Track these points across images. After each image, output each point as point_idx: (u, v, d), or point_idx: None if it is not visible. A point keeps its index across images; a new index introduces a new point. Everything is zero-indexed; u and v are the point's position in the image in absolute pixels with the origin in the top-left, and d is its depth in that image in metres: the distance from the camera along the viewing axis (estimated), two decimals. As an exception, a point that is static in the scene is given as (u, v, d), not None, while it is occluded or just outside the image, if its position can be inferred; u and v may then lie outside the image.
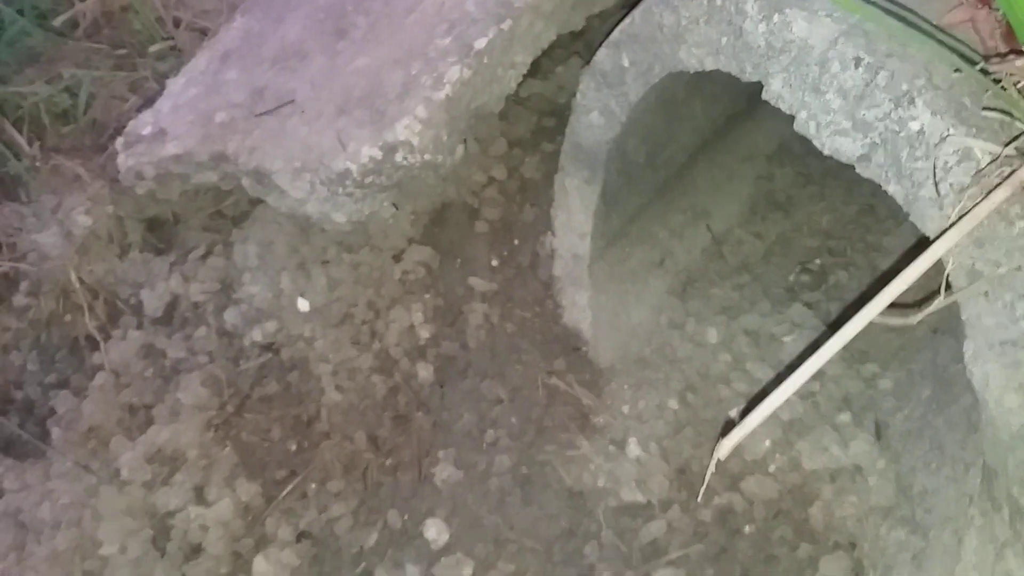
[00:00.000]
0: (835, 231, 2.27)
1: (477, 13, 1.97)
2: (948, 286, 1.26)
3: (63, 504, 1.87)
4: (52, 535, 1.83)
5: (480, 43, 1.92)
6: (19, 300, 2.17)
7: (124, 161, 2.11)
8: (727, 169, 2.41)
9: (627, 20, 1.64)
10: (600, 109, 1.83)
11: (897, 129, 1.22)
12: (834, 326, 1.93)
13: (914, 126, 1.20)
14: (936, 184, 1.17)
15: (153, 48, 2.45)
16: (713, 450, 1.15)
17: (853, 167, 2.35)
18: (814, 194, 2.39)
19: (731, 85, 2.32)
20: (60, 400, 2.07)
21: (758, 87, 1.53)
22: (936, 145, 1.17)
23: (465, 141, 1.94)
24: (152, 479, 1.89)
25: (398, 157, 1.79)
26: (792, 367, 1.43)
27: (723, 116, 2.34)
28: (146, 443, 1.93)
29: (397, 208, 1.95)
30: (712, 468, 1.17)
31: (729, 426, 1.23)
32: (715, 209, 2.30)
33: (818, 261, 2.17)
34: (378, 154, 1.78)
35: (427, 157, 1.80)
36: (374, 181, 1.83)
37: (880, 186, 2.44)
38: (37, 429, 2.03)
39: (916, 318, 1.26)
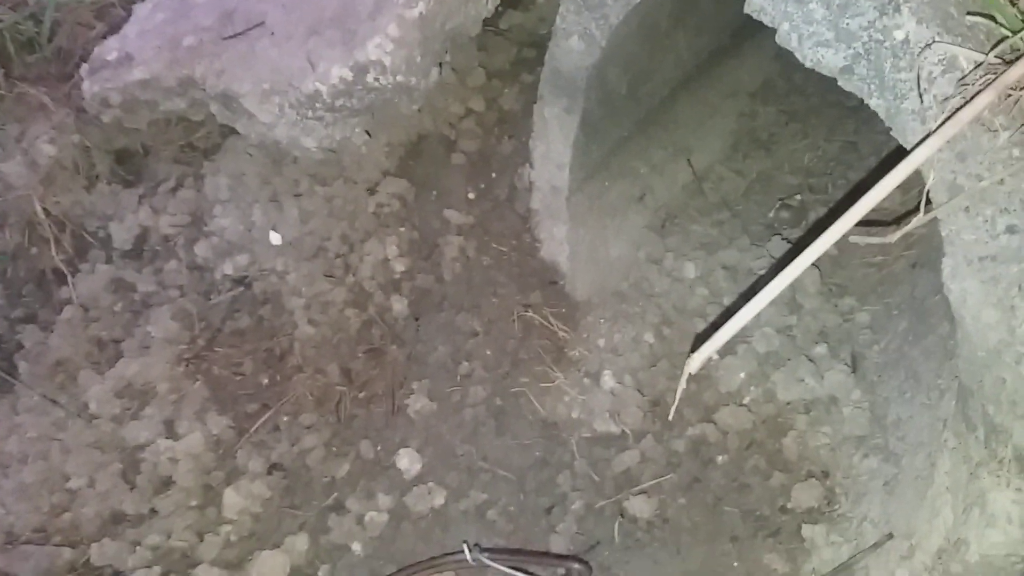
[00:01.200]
0: (816, 169, 2.23)
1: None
2: (928, 203, 1.23)
3: (30, 438, 1.83)
4: (19, 469, 1.79)
5: (455, -37, 1.84)
6: (-17, 235, 2.10)
7: (89, 88, 2.03)
8: (710, 106, 2.35)
9: (605, -64, 1.57)
10: (580, 33, 1.76)
11: (881, 39, 1.17)
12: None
13: (898, 35, 1.15)
14: (920, 95, 1.13)
15: (119, -27, 2.34)
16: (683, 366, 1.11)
17: (835, 106, 2.30)
18: (796, 132, 2.35)
19: (715, 19, 2.26)
20: (27, 334, 2.01)
21: (743, 22, 1.47)
22: (920, 54, 1.12)
23: (440, 65, 1.87)
24: (121, 413, 1.84)
25: (369, 78, 1.73)
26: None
27: (707, 51, 2.28)
28: (115, 377, 1.88)
29: (370, 136, 1.89)
30: (683, 384, 1.14)
31: (700, 342, 1.19)
32: (697, 145, 2.25)
33: (799, 197, 2.13)
34: (348, 74, 1.71)
35: (399, 78, 1.73)
36: (344, 104, 1.76)
37: (863, 124, 2.40)
38: (3, 363, 1.98)
39: (895, 235, 1.22)
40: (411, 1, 1.78)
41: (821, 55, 1.25)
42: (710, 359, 1.52)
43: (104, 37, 2.18)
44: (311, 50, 1.82)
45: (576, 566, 1.39)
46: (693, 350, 1.15)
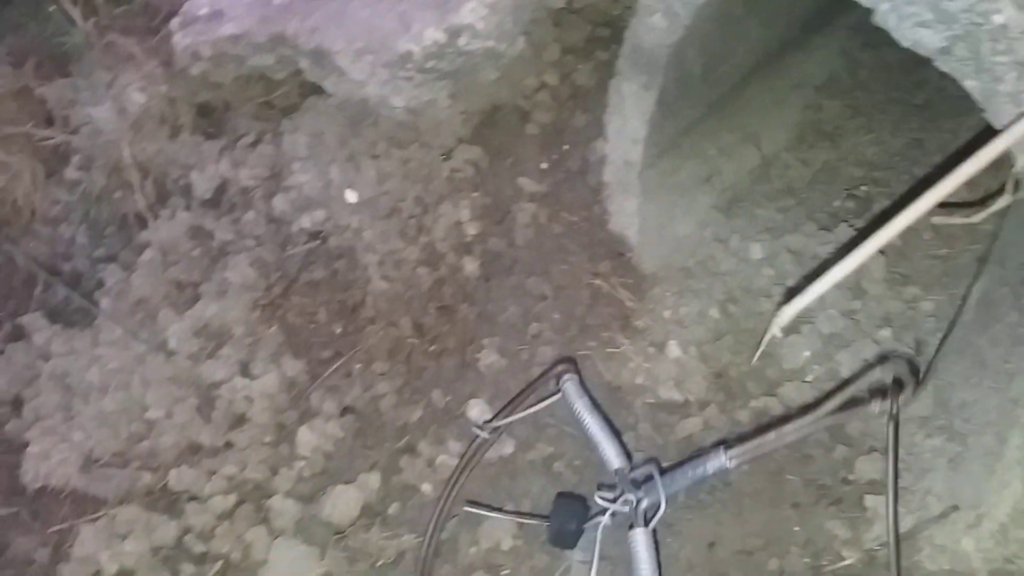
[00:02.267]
0: (881, 162, 2.26)
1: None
2: (1017, 187, 1.27)
3: (111, 369, 1.91)
4: (100, 397, 1.87)
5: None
6: (70, 174, 2.19)
7: (180, 40, 2.11)
8: (777, 95, 2.39)
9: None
10: (664, 10, 1.81)
11: (980, 22, 1.21)
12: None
13: (997, 19, 1.19)
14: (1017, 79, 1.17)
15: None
16: (771, 322, 1.17)
17: (900, 103, 2.33)
18: (861, 126, 2.38)
19: (786, 11, 2.30)
20: (108, 273, 2.11)
21: (812, 17, 1.51)
22: (1017, 39, 1.17)
23: (527, 33, 1.92)
24: (199, 351, 1.92)
25: (461, 41, 1.79)
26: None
27: (777, 41, 2.32)
28: (193, 317, 1.96)
29: (454, 99, 1.95)
30: (770, 334, 1.19)
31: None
32: (764, 133, 2.29)
33: (864, 188, 2.16)
34: (442, 37, 1.77)
35: (490, 44, 1.79)
36: (435, 66, 1.82)
37: (928, 121, 2.43)
38: (85, 299, 2.07)
39: (980, 215, 1.26)
40: (504, -31, 1.83)
41: (920, 36, 1.30)
42: (779, 333, 1.59)
43: (192, -7, 2.27)
44: (404, 11, 1.88)
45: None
46: (785, 302, 1.20)
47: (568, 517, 1.31)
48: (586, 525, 1.32)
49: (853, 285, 1.86)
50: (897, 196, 2.14)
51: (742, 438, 1.27)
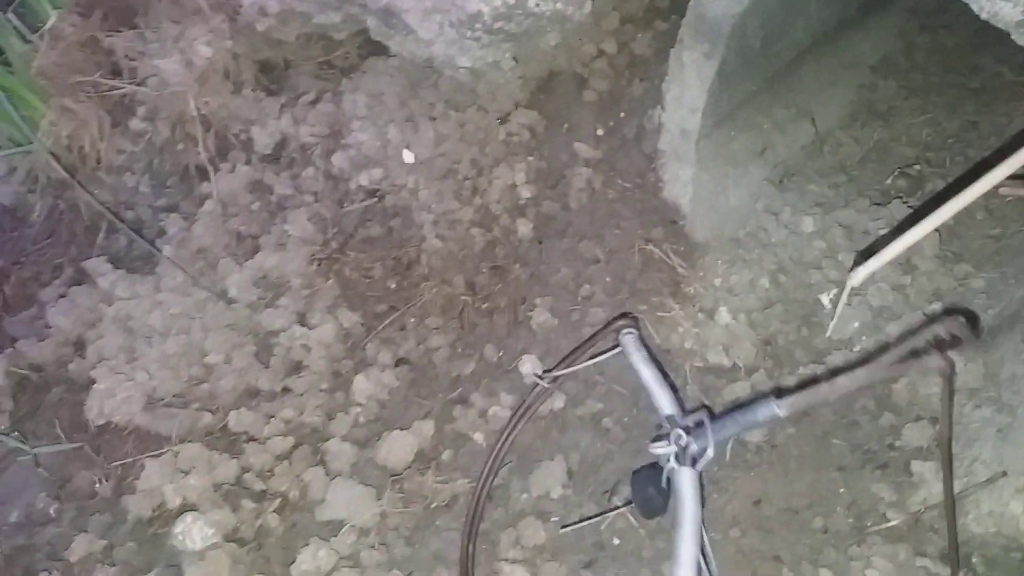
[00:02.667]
0: (935, 143, 2.27)
1: None
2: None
3: (173, 314, 1.98)
4: (161, 340, 1.94)
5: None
6: (135, 124, 2.26)
7: (248, -4, 2.16)
8: (832, 73, 2.41)
9: None
10: None
11: (1060, -6, 1.23)
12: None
13: (1078, -8, 1.21)
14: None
15: None
16: (847, 279, 1.20)
17: (956, 86, 2.33)
18: (916, 107, 2.39)
19: (846, -10, 2.31)
20: (170, 222, 2.18)
21: None
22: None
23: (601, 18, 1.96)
24: (257, 300, 1.99)
25: (531, 2, 1.82)
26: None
27: (834, 20, 2.33)
28: (253, 268, 2.03)
29: (517, 62, 1.99)
30: (844, 297, 1.23)
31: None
32: (818, 109, 2.31)
33: (916, 167, 2.18)
34: (514, 12, 1.81)
35: (558, 6, 1.83)
36: (502, 27, 1.86)
37: (984, 105, 2.43)
38: (146, 248, 2.14)
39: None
40: (573, -67, 1.86)
41: (999, 8, 1.31)
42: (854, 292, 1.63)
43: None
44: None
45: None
46: (856, 265, 1.24)
47: (648, 487, 1.34)
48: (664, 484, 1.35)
49: (904, 261, 1.88)
50: (951, 177, 2.15)
51: (793, 389, 1.30)
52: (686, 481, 1.27)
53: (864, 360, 1.27)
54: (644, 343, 1.50)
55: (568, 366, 1.55)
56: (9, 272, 2.28)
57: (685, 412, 1.39)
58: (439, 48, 1.94)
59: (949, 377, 1.15)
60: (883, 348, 1.26)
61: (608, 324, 1.62)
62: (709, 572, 1.24)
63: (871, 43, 2.54)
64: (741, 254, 1.95)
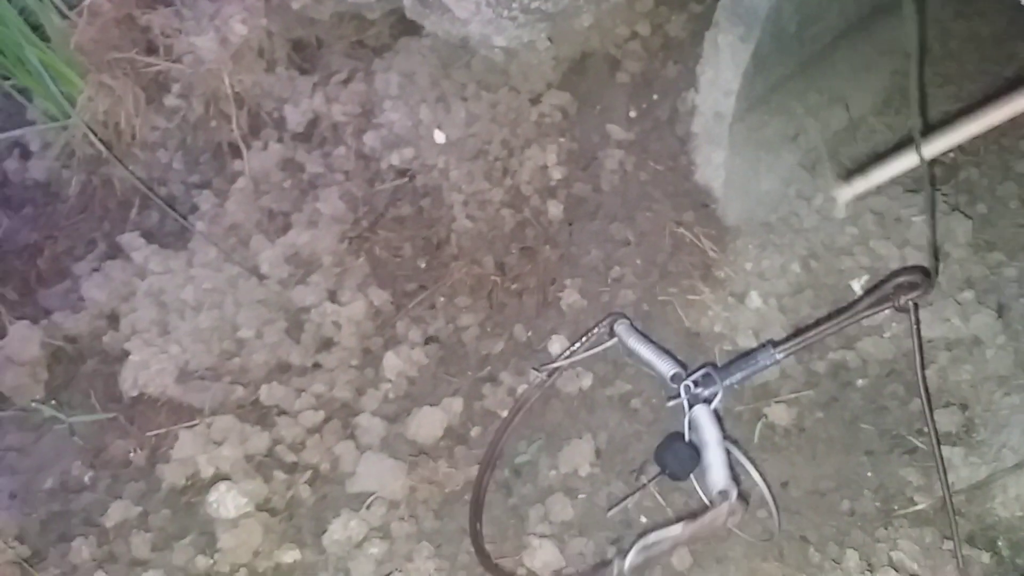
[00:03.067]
0: (970, 132, 2.26)
1: None
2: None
3: (205, 289, 2.02)
4: (194, 315, 1.99)
5: None
6: (170, 101, 2.29)
7: (283, -29, 2.19)
8: (866, 59, 2.40)
9: None
10: None
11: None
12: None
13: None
14: None
15: None
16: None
17: (991, 74, 2.32)
18: (950, 95, 2.39)
19: (881, -25, 2.31)
20: (202, 199, 2.22)
21: None
22: None
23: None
24: (289, 277, 2.03)
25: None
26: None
27: (869, 6, 2.33)
28: (284, 245, 2.07)
29: (551, 42, 2.00)
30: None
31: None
32: (851, 95, 2.31)
33: (951, 155, 2.17)
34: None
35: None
36: (539, 7, 1.88)
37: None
38: (178, 224, 2.18)
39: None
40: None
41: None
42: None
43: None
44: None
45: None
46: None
47: (674, 445, 1.51)
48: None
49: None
50: (986, 165, 2.15)
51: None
52: (703, 414, 1.50)
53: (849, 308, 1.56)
54: (635, 328, 1.67)
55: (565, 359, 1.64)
56: (43, 246, 2.33)
57: (689, 371, 1.55)
58: (475, 27, 1.96)
59: (914, 312, 1.47)
60: (858, 300, 1.60)
61: (601, 321, 1.75)
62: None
63: (905, 29, 2.52)
64: (772, 239, 1.96)
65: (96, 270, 2.17)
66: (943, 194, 2.01)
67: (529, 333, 1.85)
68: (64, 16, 2.28)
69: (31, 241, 2.34)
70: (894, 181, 2.13)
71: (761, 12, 1.90)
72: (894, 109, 2.32)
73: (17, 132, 2.42)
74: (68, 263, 2.27)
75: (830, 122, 2.25)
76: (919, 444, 1.58)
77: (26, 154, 2.46)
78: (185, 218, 2.20)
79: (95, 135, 2.25)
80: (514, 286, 1.95)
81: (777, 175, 2.09)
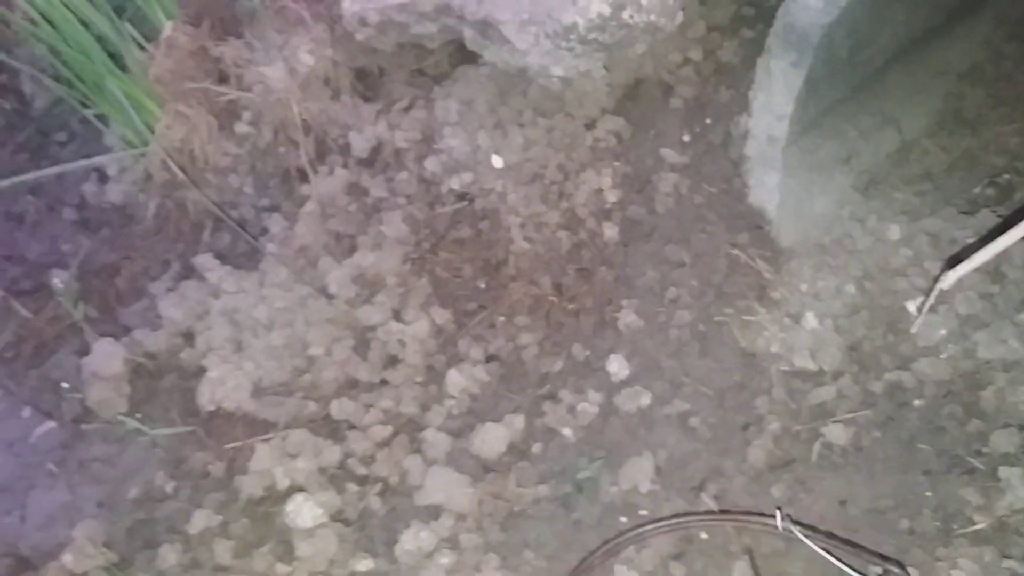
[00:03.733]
0: (1024, 153, 2.28)
1: None
2: None
3: (277, 308, 2.13)
4: (266, 333, 2.09)
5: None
6: (241, 128, 2.41)
7: (349, 6, 2.29)
8: (919, 81, 2.43)
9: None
10: None
11: None
12: None
13: None
14: None
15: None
16: (936, 279, 1.25)
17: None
18: (1004, 116, 2.40)
19: (933, -2, 2.34)
20: (273, 221, 2.33)
21: (958, 3, 1.54)
22: None
23: (683, 8, 2.03)
24: (355, 297, 2.12)
25: (625, 14, 1.91)
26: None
27: (921, 28, 2.36)
28: (351, 266, 2.16)
29: (607, 70, 2.07)
30: (932, 298, 1.28)
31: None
32: (904, 117, 2.34)
33: (1006, 177, 2.19)
34: (607, 10, 1.90)
35: (652, 18, 1.91)
36: (596, 38, 1.95)
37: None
38: (249, 245, 2.29)
39: None
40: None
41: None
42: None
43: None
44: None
45: (896, 570, 1.49)
46: (948, 268, 1.29)
47: None
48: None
49: (992, 270, 1.91)
50: (1041, 185, 2.17)
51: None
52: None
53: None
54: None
55: None
56: (121, 266, 2.46)
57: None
58: (534, 58, 2.04)
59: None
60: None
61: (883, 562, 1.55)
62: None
63: (958, 51, 2.55)
64: (827, 260, 2.00)
65: (172, 290, 2.29)
66: (997, 215, 2.03)
67: (587, 352, 1.92)
68: (142, 48, 2.42)
69: (110, 261, 2.47)
70: (948, 202, 2.16)
71: (813, 38, 1.96)
72: (947, 131, 2.34)
73: (97, 159, 2.57)
74: (145, 282, 2.39)
75: (883, 144, 2.29)
76: (977, 464, 1.60)
77: (104, 178, 2.61)
78: (256, 240, 2.32)
79: (172, 161, 2.37)
80: (571, 306, 2.01)
81: (831, 197, 2.14)
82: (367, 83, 2.45)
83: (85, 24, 2.33)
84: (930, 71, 2.49)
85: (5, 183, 2.58)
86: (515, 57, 2.11)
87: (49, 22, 2.33)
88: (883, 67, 2.29)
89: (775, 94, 2.05)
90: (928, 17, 2.37)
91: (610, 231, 2.08)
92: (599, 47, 1.99)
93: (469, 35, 2.17)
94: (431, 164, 2.28)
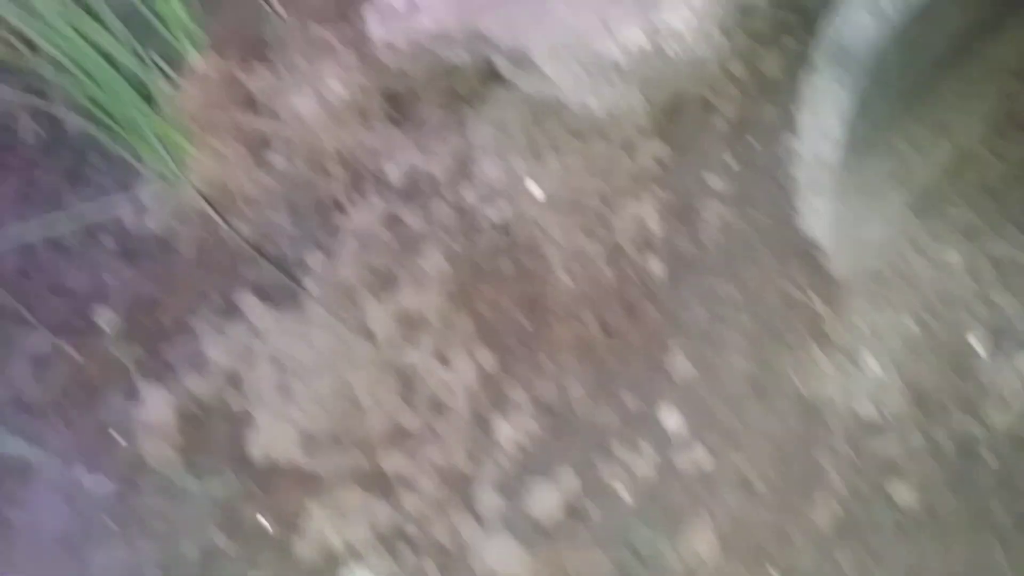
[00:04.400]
0: (1088, 158, 2.04)
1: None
2: None
3: (320, 351, 1.98)
4: (312, 379, 1.94)
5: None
6: (273, 159, 2.22)
7: (377, 33, 2.08)
8: (970, 83, 2.17)
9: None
10: (870, 9, 1.66)
11: None
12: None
13: None
14: None
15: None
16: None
17: None
18: (1062, 115, 2.14)
19: (983, -10, 2.07)
20: (311, 256, 2.15)
21: None
22: None
23: (725, 32, 1.81)
24: (398, 338, 1.96)
25: (665, 47, 1.69)
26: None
27: (972, 23, 2.09)
28: (392, 303, 1.99)
29: (644, 95, 1.86)
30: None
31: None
32: (956, 124, 2.09)
33: (1072, 192, 1.96)
34: (646, 43, 1.68)
35: (696, 52, 1.69)
36: (635, 70, 1.74)
37: None
38: (291, 281, 2.13)
39: None
40: (711, -31, 1.71)
41: None
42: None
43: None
44: (606, 12, 1.79)
45: None
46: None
47: None
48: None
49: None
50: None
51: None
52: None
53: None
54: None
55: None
56: (163, 300, 2.31)
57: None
58: (568, 87, 1.83)
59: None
60: None
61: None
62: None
63: (1011, 46, 2.27)
64: (884, 292, 1.80)
65: (214, 328, 2.14)
66: (1066, 238, 1.81)
67: (638, 401, 1.75)
68: (169, 78, 2.23)
69: (152, 294, 2.31)
70: (1011, 219, 1.94)
71: (863, 53, 1.71)
72: (1003, 136, 2.09)
73: (133, 190, 2.41)
74: (187, 317, 2.23)
75: (936, 156, 2.05)
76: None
77: (141, 208, 2.43)
78: (295, 276, 2.16)
79: (204, 197, 2.21)
80: (619, 347, 1.84)
81: (885, 221, 1.92)
82: (398, 107, 2.23)
83: (111, 62, 2.14)
84: (982, 70, 2.22)
85: (41, 216, 2.43)
86: (549, 87, 1.89)
87: (72, 59, 2.14)
88: (933, 71, 2.04)
89: (823, 115, 1.82)
90: (977, 13, 2.11)
91: (655, 265, 1.89)
92: (639, 80, 1.78)
93: (501, 63, 1.95)
94: (468, 193, 2.09)
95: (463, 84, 2.19)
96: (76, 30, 2.06)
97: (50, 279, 2.43)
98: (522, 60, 1.87)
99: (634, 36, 1.68)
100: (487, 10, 1.94)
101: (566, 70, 1.81)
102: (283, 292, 2.19)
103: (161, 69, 2.21)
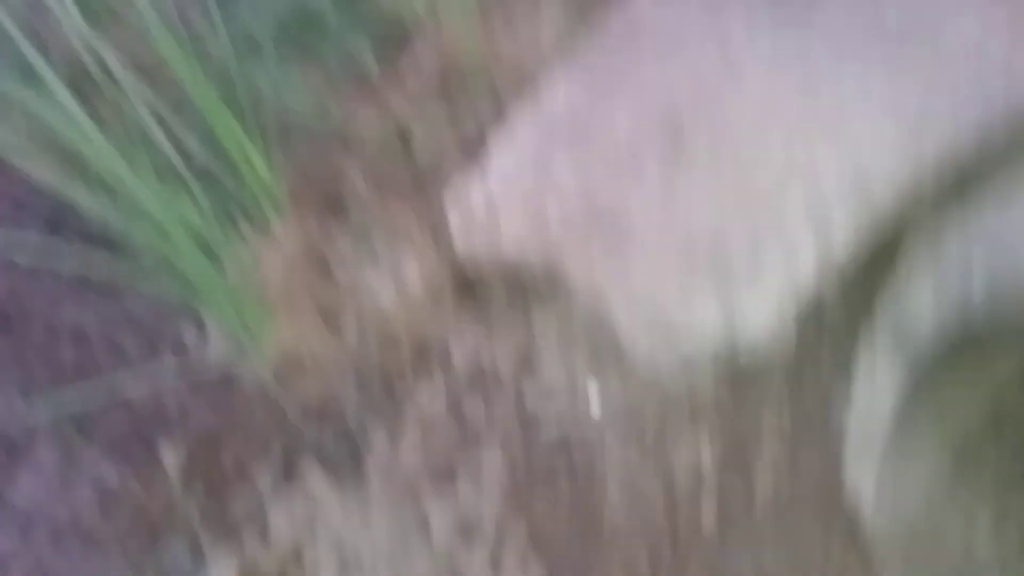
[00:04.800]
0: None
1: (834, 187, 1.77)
2: None
3: (380, 543, 2.01)
4: (369, 571, 1.98)
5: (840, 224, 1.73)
6: (346, 335, 2.22)
7: (460, 240, 2.07)
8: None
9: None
10: (933, 289, 1.68)
11: None
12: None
13: None
14: None
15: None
16: None
17: None
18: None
19: None
20: (375, 434, 2.17)
21: None
22: None
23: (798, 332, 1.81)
24: (455, 539, 2.00)
25: (742, 348, 1.69)
26: None
27: None
28: (451, 500, 2.03)
29: (713, 371, 1.87)
30: None
31: None
32: (990, 375, 2.11)
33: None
34: (723, 348, 1.68)
35: (774, 353, 1.69)
36: (710, 357, 1.74)
37: None
38: (354, 464, 2.15)
39: None
40: (794, 264, 1.70)
41: None
42: None
43: (464, 165, 2.19)
44: (684, 283, 1.78)
45: None
46: None
47: None
48: None
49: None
50: None
51: None
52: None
53: None
54: None
55: None
56: (225, 440, 2.33)
57: None
58: (642, 351, 1.83)
59: None
60: None
61: None
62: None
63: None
64: (918, 560, 1.85)
65: (276, 488, 2.17)
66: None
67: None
68: (245, 239, 2.21)
69: (213, 430, 2.33)
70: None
71: (921, 340, 1.73)
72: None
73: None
74: (249, 464, 2.27)
75: (976, 403, 2.07)
76: None
77: (202, 326, 2.41)
78: (359, 451, 2.18)
79: (273, 372, 2.21)
80: (668, 584, 1.89)
81: (924, 479, 1.94)
82: (469, 299, 2.23)
83: (191, 231, 2.11)
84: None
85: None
86: (618, 335, 1.89)
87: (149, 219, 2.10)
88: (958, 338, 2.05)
89: (878, 392, 1.83)
90: None
91: (706, 514, 1.92)
92: (713, 364, 1.78)
93: (578, 300, 1.94)
94: (529, 395, 2.10)
95: (530, 288, 2.18)
96: (160, 201, 2.03)
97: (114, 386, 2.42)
98: (598, 306, 1.86)
99: (710, 338, 1.68)
100: (567, 244, 1.93)
101: (638, 332, 1.81)
102: (345, 465, 2.22)
103: (239, 230, 2.19)
